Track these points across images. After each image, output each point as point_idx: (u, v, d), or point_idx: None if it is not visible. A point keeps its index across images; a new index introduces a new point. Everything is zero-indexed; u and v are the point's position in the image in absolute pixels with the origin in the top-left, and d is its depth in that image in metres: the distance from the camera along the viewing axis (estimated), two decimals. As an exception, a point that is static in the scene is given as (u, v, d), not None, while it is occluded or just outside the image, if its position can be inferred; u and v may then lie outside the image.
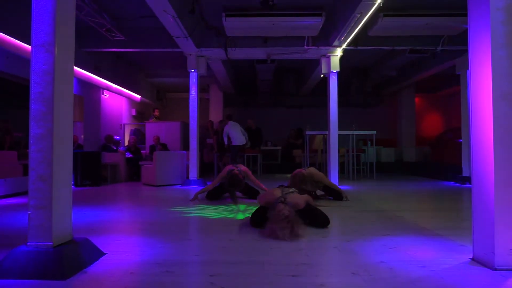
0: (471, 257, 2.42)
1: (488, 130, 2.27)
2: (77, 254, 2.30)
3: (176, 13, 5.47)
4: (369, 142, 9.39)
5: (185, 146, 9.35)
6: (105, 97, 9.86)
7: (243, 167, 5.46)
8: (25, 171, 6.41)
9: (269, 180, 7.90)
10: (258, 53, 7.79)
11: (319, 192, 5.48)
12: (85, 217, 4.07)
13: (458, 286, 1.98)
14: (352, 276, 2.13)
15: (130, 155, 8.96)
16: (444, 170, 9.09)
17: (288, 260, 2.46)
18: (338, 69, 7.45)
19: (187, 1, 5.91)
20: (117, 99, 10.79)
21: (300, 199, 3.49)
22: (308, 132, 9.14)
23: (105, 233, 3.28)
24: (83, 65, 8.02)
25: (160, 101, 13.70)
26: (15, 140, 7.71)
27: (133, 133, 10.87)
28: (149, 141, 9.69)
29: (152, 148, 9.04)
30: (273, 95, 13.22)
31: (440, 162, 10.48)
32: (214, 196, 5.46)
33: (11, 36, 5.79)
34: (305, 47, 7.25)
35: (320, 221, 3.48)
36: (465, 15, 2.51)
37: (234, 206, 4.85)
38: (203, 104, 12.09)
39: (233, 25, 6.37)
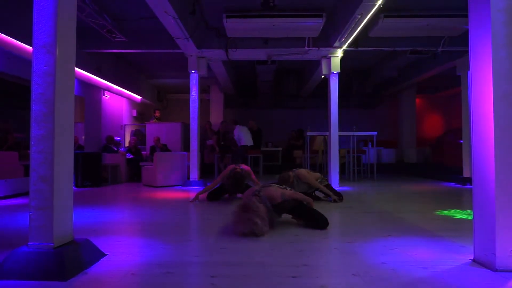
0: (472, 258, 2.42)
1: (489, 131, 2.27)
2: (78, 255, 2.30)
3: (177, 14, 5.48)
4: (370, 143, 9.39)
5: (186, 147, 9.35)
6: (106, 98, 9.88)
7: (245, 167, 5.47)
8: (26, 172, 6.42)
9: (270, 181, 7.89)
10: (258, 54, 7.80)
11: (320, 194, 5.48)
12: (86, 218, 4.07)
13: (458, 287, 1.98)
14: (353, 277, 2.12)
15: (131, 156, 8.97)
16: (444, 171, 9.09)
17: (288, 261, 2.45)
18: (339, 70, 7.45)
19: (188, 2, 5.92)
20: (118, 100, 10.80)
21: (276, 192, 3.45)
22: (308, 133, 9.14)
23: (106, 234, 3.28)
24: (84, 66, 8.03)
25: (161, 102, 13.71)
26: (15, 140, 7.73)
27: (134, 134, 10.88)
28: (149, 142, 9.70)
29: (153, 149, 9.05)
30: (274, 96, 13.23)
31: (440, 163, 10.48)
32: (215, 197, 5.47)
33: (12, 37, 5.80)
34: (306, 48, 7.26)
35: (318, 222, 3.48)
36: (466, 16, 2.51)
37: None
38: (204, 105, 12.10)
39: (234, 26, 6.38)
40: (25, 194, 5.99)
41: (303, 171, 5.18)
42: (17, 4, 5.78)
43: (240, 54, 7.64)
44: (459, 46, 7.23)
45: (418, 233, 3.26)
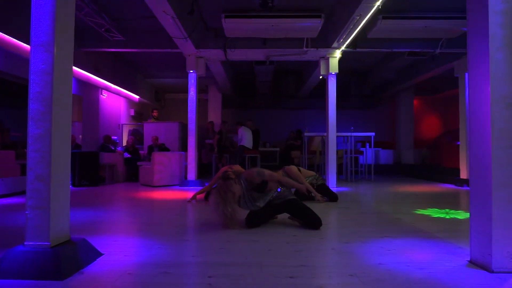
0: (469, 259, 2.43)
1: (486, 132, 2.27)
2: (74, 255, 2.29)
3: (176, 14, 5.47)
4: (368, 144, 9.41)
5: (184, 147, 9.34)
6: (104, 97, 9.85)
7: (237, 167, 5.47)
8: (23, 171, 6.40)
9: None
10: (257, 54, 7.80)
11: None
12: (83, 217, 4.06)
13: (455, 288, 1.99)
14: (350, 278, 2.13)
15: (128, 156, 8.95)
16: (442, 172, 9.12)
17: (286, 262, 2.45)
18: (337, 71, 7.47)
19: (187, 1, 5.91)
20: (116, 99, 10.78)
21: (252, 173, 3.55)
22: (306, 134, 9.15)
23: (102, 233, 3.28)
24: (82, 65, 8.01)
25: (159, 101, 13.69)
26: (9, 139, 7.70)
27: (132, 133, 10.86)
28: (147, 142, 9.68)
29: (151, 149, 9.03)
30: (272, 97, 13.23)
31: (438, 164, 10.51)
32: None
33: (10, 36, 5.78)
34: (304, 48, 7.26)
35: (310, 222, 3.46)
36: (464, 18, 2.53)
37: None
38: (202, 105, 12.09)
39: (232, 26, 6.38)
40: (22, 193, 5.97)
41: (293, 167, 5.19)
42: (15, 2, 5.76)
43: (238, 54, 7.63)
44: (457, 48, 7.26)
45: (415, 234, 3.26)
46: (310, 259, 2.52)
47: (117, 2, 6.35)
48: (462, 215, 4.27)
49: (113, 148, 9.08)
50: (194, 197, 5.38)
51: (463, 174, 7.82)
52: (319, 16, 6.10)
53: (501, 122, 2.24)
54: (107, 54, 8.97)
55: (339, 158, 8.88)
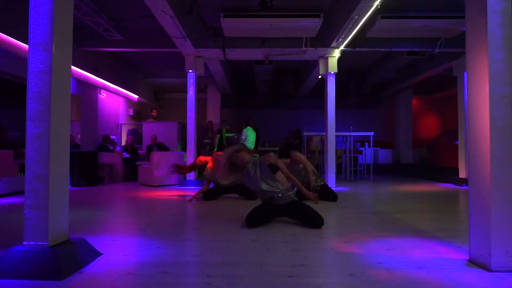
0: (468, 259, 2.43)
1: (485, 132, 2.28)
2: (73, 254, 2.29)
3: (174, 13, 5.46)
4: (367, 143, 9.42)
5: (183, 147, 9.33)
6: (103, 96, 9.84)
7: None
8: (21, 171, 6.38)
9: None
10: (256, 54, 7.80)
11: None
12: (82, 217, 4.05)
13: (454, 287, 1.99)
14: (349, 277, 2.13)
15: (127, 155, 8.94)
16: (441, 172, 9.13)
17: (285, 261, 2.45)
18: (336, 71, 7.47)
19: (185, 1, 5.90)
20: (115, 98, 10.77)
21: (268, 154, 3.79)
22: (306, 133, 9.15)
23: (101, 233, 3.27)
24: (81, 64, 8.00)
25: (158, 101, 13.68)
26: (7, 138, 7.68)
27: (130, 133, 10.84)
28: (146, 141, 9.67)
29: (149, 148, 9.02)
30: (271, 96, 13.23)
31: (437, 163, 10.52)
32: (211, 196, 5.46)
33: (8, 35, 5.76)
34: (303, 48, 7.26)
35: (313, 221, 3.48)
36: (463, 17, 2.53)
37: None
38: (201, 104, 12.08)
39: (231, 26, 6.37)
40: (20, 193, 5.96)
41: (300, 154, 5.26)
42: (13, 1, 5.74)
43: (237, 54, 7.63)
44: (456, 47, 7.27)
45: (414, 233, 3.27)
46: (310, 259, 2.52)
47: (116, 1, 6.33)
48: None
49: (112, 148, 9.07)
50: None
51: (462, 174, 7.83)
52: (318, 16, 6.10)
53: (500, 121, 2.24)
54: (105, 53, 8.95)
55: (338, 157, 8.88)
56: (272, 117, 13.56)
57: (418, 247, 2.82)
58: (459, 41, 6.95)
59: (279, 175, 3.67)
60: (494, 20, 2.26)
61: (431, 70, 9.28)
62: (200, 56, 7.68)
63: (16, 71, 6.23)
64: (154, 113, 10.64)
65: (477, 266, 2.31)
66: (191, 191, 6.63)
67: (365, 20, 5.73)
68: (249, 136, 8.91)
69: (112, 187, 7.53)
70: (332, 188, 5.80)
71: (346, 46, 7.12)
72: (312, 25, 6.34)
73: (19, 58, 6.03)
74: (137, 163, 8.63)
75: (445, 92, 12.84)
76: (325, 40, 7.21)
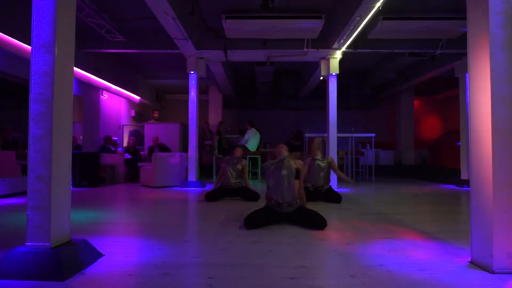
0: (470, 260, 2.42)
1: (487, 133, 2.27)
2: (75, 255, 2.29)
3: (176, 14, 5.48)
4: (368, 144, 9.41)
5: (184, 148, 9.34)
6: (104, 98, 9.86)
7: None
8: (24, 171, 6.40)
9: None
10: (257, 55, 7.80)
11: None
12: (84, 218, 4.06)
13: (456, 289, 1.99)
14: (350, 279, 2.13)
15: (129, 156, 8.95)
16: (442, 173, 9.11)
17: (286, 263, 2.45)
18: (338, 72, 7.46)
19: (187, 2, 5.92)
20: (116, 100, 10.79)
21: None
22: (307, 135, 9.15)
23: (103, 234, 3.28)
24: (83, 65, 8.02)
25: (160, 102, 13.70)
26: (10, 139, 7.69)
27: (132, 134, 10.86)
28: (148, 142, 9.69)
29: (151, 150, 9.03)
30: (272, 97, 13.23)
31: (438, 165, 10.50)
32: (213, 197, 5.47)
33: (11, 36, 5.79)
34: (305, 49, 7.26)
35: (316, 223, 3.48)
36: (464, 18, 2.53)
37: None
38: (202, 105, 12.09)
39: (233, 27, 6.38)
40: (23, 193, 5.97)
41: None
42: (16, 3, 5.77)
43: (239, 55, 7.64)
44: (458, 48, 7.25)
45: (416, 234, 3.26)
46: (311, 260, 2.51)
47: (118, 3, 6.36)
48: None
49: (113, 149, 9.08)
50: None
51: (464, 175, 7.81)
52: (319, 17, 6.10)
53: (501, 122, 2.24)
54: (107, 55, 8.97)
55: (339, 159, 8.87)
56: (273, 118, 13.56)
57: (420, 248, 2.82)
58: (461, 42, 6.94)
59: (296, 183, 3.69)
60: (495, 21, 2.26)
61: (432, 71, 9.26)
62: (201, 58, 7.69)
63: (18, 72, 6.25)
64: (155, 114, 10.66)
65: (479, 267, 2.30)
66: (192, 192, 6.64)
67: (366, 22, 5.73)
68: (251, 139, 8.88)
69: (113, 188, 7.54)
70: (334, 190, 5.78)
71: (348, 47, 7.12)
72: (313, 26, 6.34)
73: (22, 60, 6.05)
74: (139, 164, 8.64)
75: (447, 93, 12.83)
76: (326, 41, 7.21)
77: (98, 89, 9.30)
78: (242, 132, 9.38)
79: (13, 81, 6.58)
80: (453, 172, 8.40)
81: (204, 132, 10.89)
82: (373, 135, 8.97)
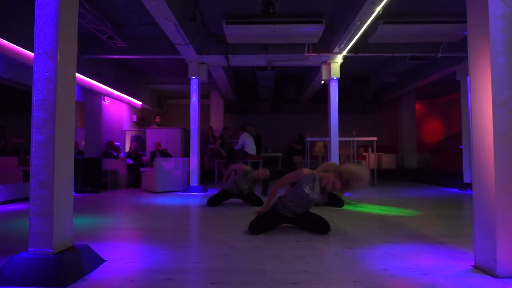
0: (473, 265, 2.41)
1: (489, 136, 2.27)
2: (77, 261, 2.29)
3: (177, 20, 5.51)
4: (370, 148, 9.39)
5: (186, 153, 9.35)
6: (106, 103, 9.90)
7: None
8: (26, 177, 6.41)
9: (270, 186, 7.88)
10: (258, 60, 7.83)
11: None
12: (86, 223, 4.06)
13: (460, 293, 1.97)
14: (353, 284, 2.12)
15: (131, 162, 8.96)
16: (445, 176, 9.08)
17: (289, 268, 2.45)
18: (339, 76, 7.48)
19: (188, 8, 5.95)
20: (118, 105, 10.83)
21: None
22: (308, 139, 9.15)
23: (105, 240, 3.27)
24: (85, 71, 8.06)
25: (161, 107, 13.74)
26: (13, 144, 7.72)
27: (134, 139, 10.89)
28: (149, 148, 9.71)
29: (153, 155, 9.05)
30: (274, 102, 13.26)
31: (441, 168, 10.47)
32: (215, 202, 5.46)
33: (13, 43, 5.83)
34: (306, 54, 7.29)
35: (319, 227, 3.47)
36: (465, 21, 2.53)
37: None
38: (204, 110, 12.12)
39: (234, 32, 6.41)
40: (25, 199, 5.98)
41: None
42: (19, 10, 5.82)
43: (240, 60, 7.67)
44: (458, 52, 7.26)
45: (419, 239, 3.25)
46: (313, 265, 2.50)
47: (120, 9, 6.40)
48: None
49: (115, 154, 9.10)
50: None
51: (467, 178, 7.78)
52: (320, 22, 6.13)
53: (503, 126, 2.24)
54: (109, 60, 9.02)
55: (341, 163, 8.86)
56: (275, 122, 13.57)
57: (423, 253, 2.80)
58: (462, 45, 6.95)
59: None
60: (496, 25, 2.26)
61: (434, 75, 9.27)
62: (203, 63, 7.72)
63: (21, 79, 6.29)
64: (157, 119, 10.69)
65: (482, 272, 2.29)
66: (194, 197, 6.64)
67: (367, 26, 5.74)
68: (247, 143, 8.86)
69: (115, 193, 7.55)
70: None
71: (349, 51, 7.14)
72: (314, 31, 6.37)
73: (25, 66, 6.09)
74: (141, 169, 8.66)
75: (449, 96, 12.82)
76: (327, 45, 7.23)
77: (100, 94, 9.34)
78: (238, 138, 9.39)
79: (16, 88, 6.62)
80: (456, 176, 8.37)
81: (207, 137, 10.91)
82: (374, 139, 8.96)
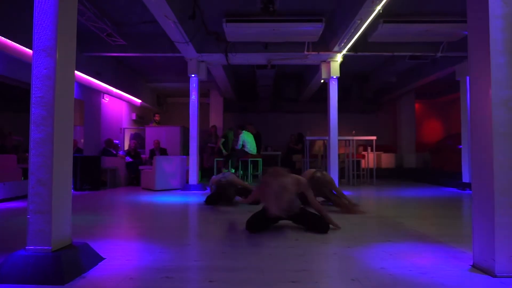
0: (472, 264, 2.41)
1: (488, 136, 2.27)
2: (76, 259, 2.29)
3: (177, 18, 5.50)
4: (369, 147, 9.40)
5: (185, 151, 9.35)
6: (106, 101, 9.88)
7: (229, 176, 5.53)
8: (25, 175, 6.40)
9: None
10: (258, 58, 7.82)
11: (319, 198, 5.45)
12: (85, 221, 4.05)
13: (458, 293, 1.98)
14: (352, 283, 2.12)
15: (130, 160, 8.95)
16: (444, 176, 9.09)
17: (287, 266, 2.45)
18: (338, 75, 7.48)
19: (188, 6, 5.94)
20: (117, 103, 10.81)
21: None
22: (308, 138, 9.15)
23: (104, 237, 3.27)
24: (84, 69, 8.04)
25: (161, 105, 13.72)
26: (12, 142, 7.72)
27: (133, 137, 10.87)
28: (149, 146, 9.70)
29: (152, 153, 9.04)
30: (273, 101, 13.25)
31: (440, 168, 10.48)
32: (213, 201, 5.46)
33: (12, 40, 5.81)
34: (305, 52, 7.28)
35: (318, 227, 3.47)
36: (465, 21, 2.54)
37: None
38: (203, 109, 12.10)
39: (234, 31, 6.40)
40: (23, 197, 5.98)
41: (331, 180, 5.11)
42: (17, 7, 5.80)
43: (240, 59, 7.66)
44: (458, 51, 7.26)
45: (418, 238, 3.25)
46: (312, 264, 2.51)
47: (119, 7, 6.38)
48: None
49: (114, 152, 9.09)
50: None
51: (466, 178, 7.79)
52: (320, 20, 6.12)
53: (503, 126, 2.24)
54: (108, 58, 9.00)
55: (341, 162, 8.86)
56: (274, 121, 13.56)
57: (422, 252, 2.81)
58: (462, 45, 6.94)
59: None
60: (496, 24, 2.26)
61: (433, 74, 9.26)
62: (202, 61, 7.71)
63: (20, 76, 6.27)
64: (157, 118, 10.68)
65: (481, 271, 2.29)
66: (193, 195, 6.64)
67: (367, 25, 5.74)
68: (246, 141, 8.85)
69: (114, 191, 7.54)
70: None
71: (348, 50, 7.13)
72: (314, 29, 6.36)
73: (23, 63, 6.07)
74: (140, 167, 8.65)
75: (448, 96, 12.82)
76: (327, 44, 7.23)
77: (99, 92, 9.32)
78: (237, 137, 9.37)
79: (14, 85, 6.60)
80: (455, 175, 8.38)
81: (210, 135, 10.90)
82: (374, 138, 8.97)
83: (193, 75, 7.68)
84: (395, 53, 7.71)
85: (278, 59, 7.79)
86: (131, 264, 2.49)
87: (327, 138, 7.71)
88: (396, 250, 2.83)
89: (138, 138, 10.72)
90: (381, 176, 10.48)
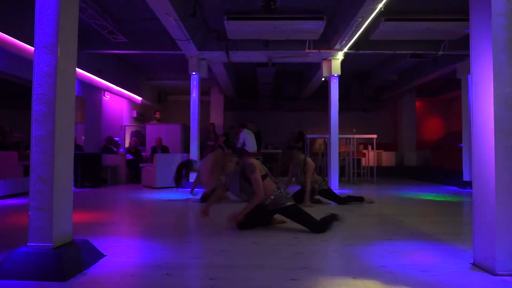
0: (472, 262, 2.41)
1: (489, 134, 2.27)
2: (77, 256, 2.29)
3: (178, 16, 5.49)
4: (370, 146, 9.40)
5: (186, 148, 9.35)
6: (106, 98, 9.89)
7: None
8: (26, 172, 6.41)
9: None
10: (259, 56, 7.81)
11: (316, 197, 5.45)
12: (86, 218, 4.06)
13: (458, 291, 1.98)
14: (352, 280, 2.12)
15: (131, 157, 8.96)
16: (444, 174, 9.09)
17: (288, 264, 2.45)
18: (339, 73, 7.46)
19: (189, 4, 5.93)
20: (118, 100, 10.81)
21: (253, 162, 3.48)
22: (308, 136, 9.14)
23: (105, 234, 3.28)
24: (85, 66, 8.04)
25: (161, 103, 13.72)
26: (13, 139, 7.72)
27: (134, 135, 10.88)
28: (149, 143, 9.70)
29: (154, 150, 9.04)
30: (274, 99, 13.23)
31: (440, 166, 10.48)
32: (208, 199, 5.46)
33: (13, 37, 5.81)
34: (306, 50, 7.27)
35: (309, 228, 3.39)
36: (466, 19, 2.53)
37: None
38: (204, 106, 12.10)
39: (235, 28, 6.39)
40: (25, 194, 5.99)
41: (312, 163, 5.23)
42: (19, 4, 5.79)
43: (240, 56, 7.65)
44: (460, 49, 7.25)
45: (418, 236, 3.25)
46: (313, 261, 2.51)
47: (120, 4, 6.38)
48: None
49: (115, 150, 9.10)
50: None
51: (466, 176, 7.79)
52: (321, 18, 6.11)
53: (504, 124, 2.23)
54: (109, 56, 9.00)
55: (341, 160, 8.86)
56: (275, 119, 13.55)
57: (422, 250, 2.81)
58: (463, 43, 6.93)
59: (266, 182, 3.47)
60: (498, 22, 2.25)
61: (434, 72, 9.25)
62: (203, 59, 7.70)
63: (21, 73, 6.27)
64: (157, 115, 10.68)
65: (481, 269, 2.29)
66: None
67: (368, 23, 5.73)
68: (248, 140, 8.83)
69: (115, 189, 7.55)
70: (335, 191, 5.76)
71: (350, 48, 7.12)
72: (315, 27, 6.35)
73: (25, 60, 6.07)
74: (140, 165, 8.66)
75: (449, 94, 12.80)
76: (328, 42, 7.21)
77: (100, 90, 9.32)
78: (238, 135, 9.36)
79: (15, 82, 6.60)
80: (455, 174, 8.38)
81: (209, 133, 10.90)
82: (374, 136, 8.96)
83: (194, 73, 7.68)
84: (397, 51, 7.69)
85: (279, 57, 7.78)
86: (132, 261, 2.49)
87: (327, 136, 7.70)
88: (396, 248, 2.83)
89: (138, 136, 10.73)
90: (382, 174, 10.48)
